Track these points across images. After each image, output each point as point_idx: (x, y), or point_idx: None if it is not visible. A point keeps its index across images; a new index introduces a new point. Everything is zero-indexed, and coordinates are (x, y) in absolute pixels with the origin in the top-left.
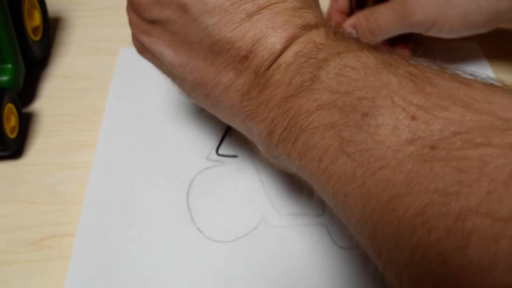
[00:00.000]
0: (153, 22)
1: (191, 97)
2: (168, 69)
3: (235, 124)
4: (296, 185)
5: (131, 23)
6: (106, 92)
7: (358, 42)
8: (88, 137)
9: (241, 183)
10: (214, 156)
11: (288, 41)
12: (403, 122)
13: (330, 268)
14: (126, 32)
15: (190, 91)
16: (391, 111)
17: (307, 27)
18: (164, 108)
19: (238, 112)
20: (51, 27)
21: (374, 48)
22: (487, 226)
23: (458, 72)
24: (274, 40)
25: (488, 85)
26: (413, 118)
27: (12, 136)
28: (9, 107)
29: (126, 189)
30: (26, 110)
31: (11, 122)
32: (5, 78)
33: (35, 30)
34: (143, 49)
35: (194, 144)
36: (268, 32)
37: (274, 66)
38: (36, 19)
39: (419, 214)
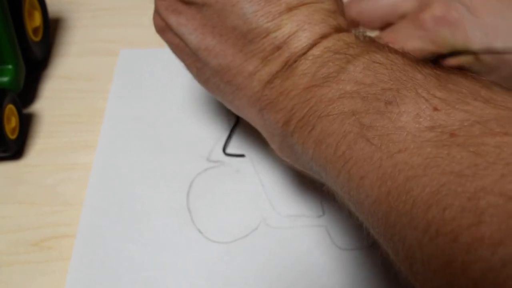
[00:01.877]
0: (187, 2)
1: (208, 83)
2: (188, 52)
3: (250, 116)
4: (296, 186)
5: (159, 0)
6: (107, 93)
7: (387, 46)
8: (88, 138)
9: (241, 184)
10: (214, 156)
11: (321, 38)
12: (425, 111)
13: (329, 269)
14: (126, 32)
15: (209, 77)
16: (414, 101)
17: (339, 29)
18: (165, 109)
19: (257, 101)
20: (52, 28)
21: (403, 52)
22: (500, 204)
23: (480, 77)
24: (309, 35)
25: (507, 90)
26: (435, 109)
27: (13, 137)
28: (10, 108)
29: (126, 190)
30: (27, 111)
31: (12, 123)
32: (5, 79)
33: (35, 30)
34: (165, 29)
35: (194, 145)
36: (305, 27)
37: (302, 58)
38: (37, 20)
39: (435, 193)
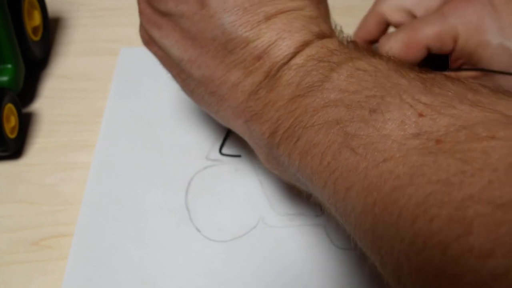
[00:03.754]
0: (166, 15)
1: (194, 94)
2: (172, 63)
3: (236, 127)
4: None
5: (141, 14)
6: (106, 92)
7: (372, 51)
8: (88, 137)
9: (239, 183)
10: (213, 155)
11: (303, 45)
12: (410, 118)
13: (327, 269)
14: (126, 32)
15: (194, 88)
16: (399, 107)
17: (321, 35)
18: (164, 108)
19: (242, 112)
20: (51, 27)
21: (387, 56)
22: (488, 212)
23: (468, 80)
24: (289, 43)
25: (495, 92)
26: (421, 115)
27: (12, 136)
28: (9, 107)
29: (125, 188)
30: (26, 110)
31: (11, 122)
32: (5, 78)
33: (35, 30)
34: (150, 42)
35: (193, 144)
36: (285, 35)
37: (284, 68)
38: (36, 19)
39: (421, 203)
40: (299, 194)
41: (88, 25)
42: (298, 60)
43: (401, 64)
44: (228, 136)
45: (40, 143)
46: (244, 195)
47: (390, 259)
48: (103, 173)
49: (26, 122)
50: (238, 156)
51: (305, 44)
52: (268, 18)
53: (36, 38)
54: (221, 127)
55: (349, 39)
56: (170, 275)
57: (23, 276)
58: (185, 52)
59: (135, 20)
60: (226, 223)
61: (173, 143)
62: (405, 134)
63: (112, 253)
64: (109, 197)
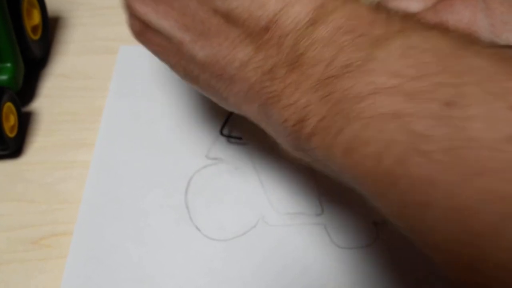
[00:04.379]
0: None
1: (199, 81)
2: (172, 50)
3: (250, 113)
4: (295, 184)
5: None
6: (106, 91)
7: (412, 18)
8: (87, 136)
9: (239, 181)
10: (213, 154)
11: (316, 10)
12: (501, 113)
13: (328, 268)
14: (125, 31)
15: (198, 73)
16: (484, 100)
17: None
18: (163, 106)
19: (257, 95)
20: (51, 26)
21: (443, 27)
22: None
23: None
24: (299, 9)
25: None
26: None
27: (12, 135)
28: (8, 106)
29: (124, 187)
30: (26, 109)
31: (10, 121)
32: (4, 77)
33: (34, 29)
34: (143, 30)
35: (193, 142)
36: (293, 1)
37: (306, 42)
38: (36, 18)
39: None
40: (303, 182)
41: (87, 24)
42: (323, 32)
43: (467, 38)
44: (230, 117)
45: (39, 142)
46: (244, 194)
47: None
48: (103, 172)
49: (25, 121)
50: (240, 138)
51: (319, 9)
52: None
53: (36, 37)
54: (221, 125)
55: (384, 6)
56: (170, 274)
57: (22, 275)
58: (186, 32)
59: None
60: (226, 222)
61: (173, 142)
62: (498, 137)
63: (111, 252)
64: (109, 196)
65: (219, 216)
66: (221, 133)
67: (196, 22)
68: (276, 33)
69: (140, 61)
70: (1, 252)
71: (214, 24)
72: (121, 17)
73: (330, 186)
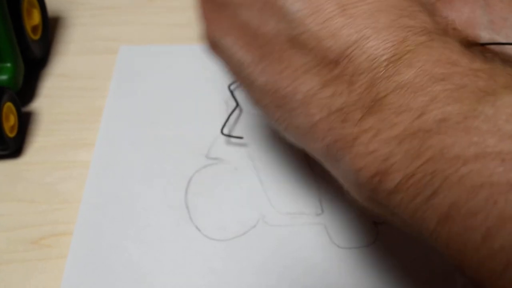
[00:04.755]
0: (224, 5)
1: (260, 105)
2: (235, 68)
3: (314, 149)
4: (295, 184)
5: (202, 10)
6: (106, 91)
7: None
8: (87, 136)
9: (239, 181)
10: (213, 154)
11: (397, 47)
12: None
13: (328, 268)
14: (125, 31)
15: (259, 97)
16: None
17: (423, 32)
18: (163, 106)
19: (322, 135)
20: (51, 26)
21: None
22: None
23: None
24: (376, 43)
25: None
26: None
27: (11, 135)
28: (8, 106)
29: (124, 187)
30: (26, 109)
31: (10, 121)
32: (4, 77)
33: (34, 29)
34: (212, 44)
35: (193, 142)
36: (369, 33)
37: (387, 84)
38: (36, 18)
39: None
40: (303, 182)
41: (87, 24)
42: (409, 75)
43: None
44: (230, 116)
45: (39, 142)
46: (244, 194)
47: None
48: (103, 171)
49: (25, 121)
50: (241, 138)
51: (403, 47)
52: (343, 9)
53: (36, 37)
54: (221, 125)
55: (467, 41)
56: (170, 274)
57: (22, 275)
58: (246, 54)
59: (135, 18)
60: (226, 222)
61: (173, 142)
62: None
63: (111, 251)
64: (109, 195)
65: (219, 216)
66: (222, 133)
67: (258, 44)
68: (348, 69)
69: (140, 61)
70: (1, 252)
71: (277, 48)
72: (121, 17)
73: (330, 186)
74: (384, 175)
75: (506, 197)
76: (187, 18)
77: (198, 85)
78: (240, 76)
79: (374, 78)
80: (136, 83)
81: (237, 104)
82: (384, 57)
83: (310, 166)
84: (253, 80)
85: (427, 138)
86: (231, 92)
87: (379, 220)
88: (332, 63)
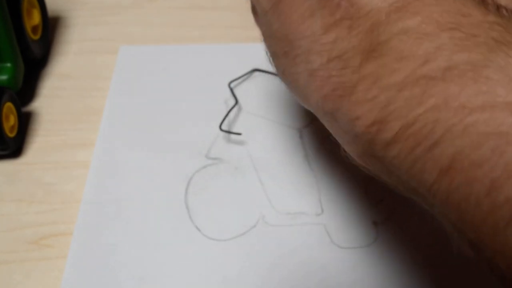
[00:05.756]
0: None
1: (274, 57)
2: (260, 19)
3: (312, 104)
4: (295, 184)
5: None
6: (106, 90)
7: None
8: (87, 136)
9: (239, 181)
10: (213, 154)
11: None
12: None
13: (328, 268)
14: (126, 31)
15: (272, 44)
16: None
17: None
18: (163, 106)
19: (321, 84)
20: (51, 26)
21: None
22: None
23: None
24: None
25: None
26: None
27: (11, 135)
28: (8, 106)
29: (124, 187)
30: (26, 109)
31: (10, 121)
32: (4, 77)
33: (34, 29)
34: (253, 8)
35: (192, 142)
36: None
37: (390, 28)
38: (36, 18)
39: None
40: (303, 182)
41: (87, 24)
42: (416, 21)
43: None
44: (229, 112)
45: (39, 142)
46: (244, 194)
47: None
48: (103, 171)
49: (25, 121)
50: (239, 134)
51: None
52: None
53: (36, 37)
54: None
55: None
56: (170, 274)
57: (22, 275)
58: (269, 0)
59: (135, 18)
60: (226, 222)
61: (173, 142)
62: None
63: (111, 251)
64: (109, 195)
65: (219, 216)
66: (220, 129)
67: None
68: (349, 12)
69: (140, 61)
70: (1, 252)
71: None
72: (121, 16)
73: (330, 186)
74: (382, 123)
75: None
76: (187, 18)
77: (198, 85)
78: (264, 28)
79: (376, 23)
80: (136, 83)
81: (236, 101)
82: (388, 2)
83: (310, 166)
84: (271, 28)
85: (431, 86)
86: (231, 90)
87: (379, 220)
88: (334, 5)
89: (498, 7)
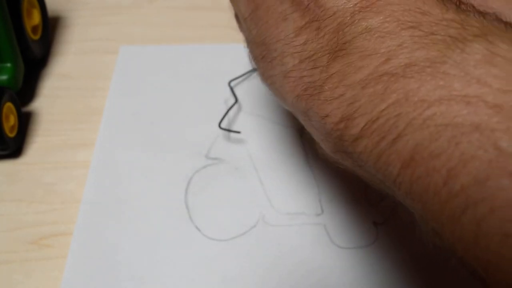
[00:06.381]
0: None
1: (254, 60)
2: (241, 25)
3: (288, 104)
4: (295, 184)
5: None
6: (106, 90)
7: (498, 20)
8: (87, 136)
9: (239, 181)
10: (213, 154)
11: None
12: None
13: (328, 268)
14: (126, 31)
15: (252, 50)
16: None
17: None
18: (163, 106)
19: (294, 84)
20: (51, 26)
21: None
22: None
23: None
24: None
25: None
26: None
27: (11, 135)
28: (8, 106)
29: (124, 187)
30: (26, 109)
31: (10, 121)
32: (4, 77)
33: (34, 29)
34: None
35: (192, 142)
36: None
37: (354, 28)
38: (36, 18)
39: None
40: (303, 182)
41: (87, 24)
42: (378, 21)
43: None
44: (229, 111)
45: (39, 142)
46: (244, 194)
47: None
48: (103, 171)
49: (25, 121)
50: (238, 132)
51: None
52: None
53: (36, 37)
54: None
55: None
56: (169, 274)
57: (22, 275)
58: (247, 6)
59: (135, 18)
60: (226, 222)
61: (173, 142)
62: None
63: (111, 251)
64: (109, 195)
65: (219, 216)
66: (220, 127)
67: None
68: (317, 15)
69: (140, 61)
70: (1, 252)
71: None
72: (121, 16)
73: (330, 186)
74: (349, 120)
75: (469, 138)
76: (187, 18)
77: (198, 85)
78: (245, 34)
79: (342, 23)
80: (136, 83)
81: (236, 100)
82: (352, 3)
83: (310, 166)
84: (250, 32)
85: (392, 82)
86: (231, 89)
87: (379, 220)
88: (304, 9)
89: (459, 3)
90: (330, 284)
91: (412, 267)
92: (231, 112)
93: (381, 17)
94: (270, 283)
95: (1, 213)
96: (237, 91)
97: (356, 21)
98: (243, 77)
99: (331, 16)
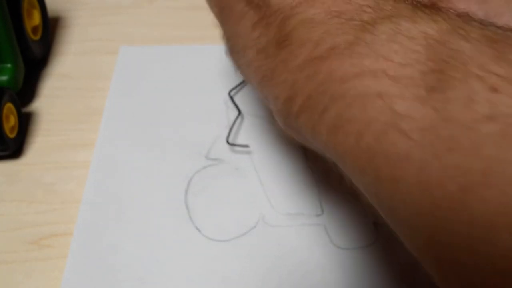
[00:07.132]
0: None
1: (228, 52)
2: (217, 21)
3: (256, 89)
4: (295, 184)
5: None
6: (106, 91)
7: (409, 3)
8: (88, 136)
9: (239, 182)
10: (213, 154)
11: None
12: (481, 94)
13: (327, 268)
14: (126, 31)
15: (226, 45)
16: (465, 82)
17: None
18: (163, 106)
19: (255, 73)
20: (51, 27)
21: (431, 8)
22: None
23: None
24: None
25: None
26: (494, 90)
27: (12, 135)
28: (9, 107)
29: (124, 187)
30: (26, 109)
31: (11, 122)
32: (4, 77)
33: (34, 29)
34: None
35: (193, 143)
36: None
37: (293, 21)
38: (36, 19)
39: (503, 213)
40: (303, 183)
41: (87, 24)
42: (311, 13)
43: (454, 19)
44: (234, 124)
45: (39, 142)
46: (244, 195)
47: (459, 275)
48: (103, 172)
49: (25, 122)
50: (246, 146)
51: None
52: None
53: (36, 38)
54: (222, 125)
55: None
56: (170, 275)
57: (22, 275)
58: (216, 7)
59: (135, 18)
60: (226, 222)
61: (173, 142)
62: (475, 116)
63: (111, 252)
64: (109, 196)
65: (219, 217)
66: (228, 142)
67: None
68: (266, 11)
69: (140, 61)
70: (1, 252)
71: None
72: (121, 17)
73: (330, 186)
74: (291, 100)
75: (373, 104)
76: (187, 18)
77: (198, 85)
78: (218, 26)
79: (284, 17)
80: (136, 83)
81: (239, 112)
82: None
83: (310, 166)
84: (221, 29)
85: (320, 64)
86: (231, 99)
87: (379, 221)
88: (255, 7)
89: None
90: (330, 284)
91: (412, 267)
92: (230, 113)
93: (313, 9)
94: (270, 284)
95: (1, 213)
96: (236, 91)
97: (295, 14)
98: (243, 84)
99: (276, 11)
